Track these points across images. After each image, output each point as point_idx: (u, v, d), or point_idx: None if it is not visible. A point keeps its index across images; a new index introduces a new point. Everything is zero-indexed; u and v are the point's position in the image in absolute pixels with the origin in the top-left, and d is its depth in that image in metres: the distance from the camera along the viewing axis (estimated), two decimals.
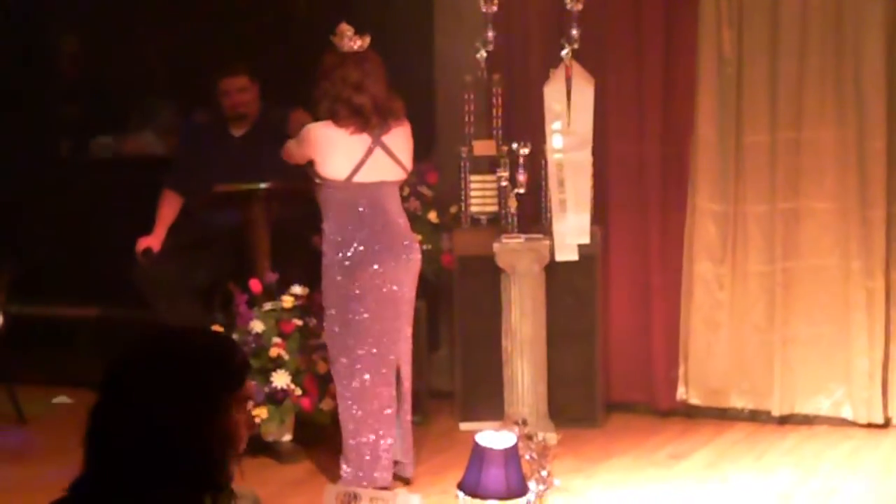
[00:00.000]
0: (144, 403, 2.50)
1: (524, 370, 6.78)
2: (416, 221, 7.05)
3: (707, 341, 7.08)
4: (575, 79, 6.78)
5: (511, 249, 6.79)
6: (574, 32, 6.73)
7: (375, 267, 5.70)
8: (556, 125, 6.79)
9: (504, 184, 6.85)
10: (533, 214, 6.97)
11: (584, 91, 6.79)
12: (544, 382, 6.82)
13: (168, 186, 7.36)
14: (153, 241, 7.24)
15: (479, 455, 3.65)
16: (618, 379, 7.21)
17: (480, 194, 7.00)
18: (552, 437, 6.49)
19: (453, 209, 7.14)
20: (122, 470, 2.50)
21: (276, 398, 6.20)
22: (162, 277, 7.17)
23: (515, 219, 6.85)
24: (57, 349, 8.24)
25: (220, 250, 7.08)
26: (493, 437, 4.39)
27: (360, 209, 5.73)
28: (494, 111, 7.04)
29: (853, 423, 6.84)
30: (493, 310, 6.86)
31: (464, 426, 6.86)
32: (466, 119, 7.03)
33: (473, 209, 7.02)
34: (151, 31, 8.65)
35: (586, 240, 6.82)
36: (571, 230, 6.81)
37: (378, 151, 5.72)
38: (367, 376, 5.71)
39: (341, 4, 7.87)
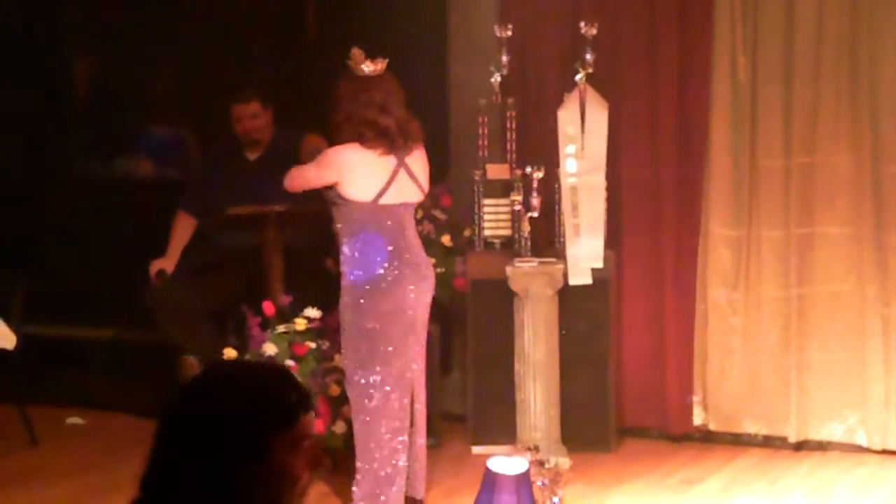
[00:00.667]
0: (194, 444, 2.48)
1: (537, 394, 6.77)
2: (429, 245, 7.06)
3: (721, 366, 7.07)
4: (589, 103, 6.79)
5: (524, 273, 6.79)
6: (588, 57, 6.74)
7: (399, 288, 5.69)
8: (570, 149, 6.80)
9: (517, 207, 6.85)
10: (546, 238, 6.96)
11: (598, 115, 6.80)
12: (557, 406, 6.81)
13: (182, 208, 7.40)
14: (166, 263, 7.26)
15: (490, 481, 3.65)
16: (631, 404, 7.20)
17: (494, 218, 7.00)
18: (564, 462, 6.48)
19: (467, 233, 7.13)
20: None
21: None
22: (175, 300, 7.19)
23: (529, 242, 6.83)
24: (70, 370, 8.25)
25: (234, 273, 7.10)
26: (505, 462, 4.40)
27: (385, 231, 5.70)
28: (508, 135, 7.05)
29: (867, 450, 6.81)
30: (506, 333, 6.86)
31: (476, 449, 6.86)
32: (480, 143, 7.03)
33: (487, 233, 7.02)
34: (166, 56, 8.68)
35: (600, 264, 6.82)
36: (585, 254, 6.81)
37: (402, 173, 5.72)
38: (382, 397, 5.71)
39: (354, 29, 7.92)
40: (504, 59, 6.90)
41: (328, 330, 6.34)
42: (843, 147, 6.79)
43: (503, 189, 6.97)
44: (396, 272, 5.66)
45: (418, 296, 5.73)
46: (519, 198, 6.82)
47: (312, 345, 6.36)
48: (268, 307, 6.39)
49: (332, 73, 7.21)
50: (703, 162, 7.01)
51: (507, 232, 6.98)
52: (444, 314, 7.24)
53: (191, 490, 2.45)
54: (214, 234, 7.25)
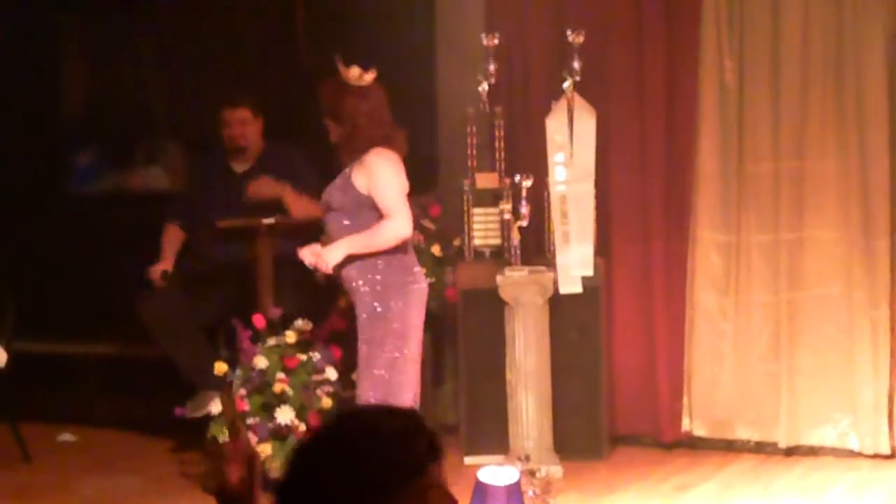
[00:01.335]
0: (322, 492, 2.47)
1: (528, 403, 6.77)
2: (419, 255, 7.07)
3: (712, 372, 7.08)
4: (577, 111, 6.81)
5: (514, 282, 6.79)
6: (575, 65, 6.77)
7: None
8: (559, 157, 6.81)
9: (507, 216, 6.85)
10: (536, 247, 6.98)
11: (587, 123, 6.81)
12: (549, 415, 6.81)
13: (169, 219, 7.40)
14: (165, 265, 7.25)
15: (481, 492, 3.67)
16: (622, 411, 7.20)
17: (483, 227, 7.01)
18: (557, 471, 6.49)
19: (456, 242, 7.13)
20: None
21: (280, 434, 6.21)
22: (166, 313, 7.19)
23: (519, 251, 6.83)
24: (61, 386, 8.25)
25: (224, 286, 7.10)
26: (496, 472, 4.41)
27: None
28: (497, 143, 7.05)
29: (859, 454, 6.81)
30: (497, 343, 6.85)
31: (469, 460, 6.86)
32: (469, 152, 7.05)
33: (477, 242, 7.03)
34: (155, 69, 8.70)
35: (590, 272, 6.82)
36: (575, 262, 6.81)
37: None
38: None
39: (342, 40, 7.93)
40: (491, 67, 6.92)
41: (318, 342, 6.36)
42: (831, 151, 6.81)
43: (492, 198, 6.98)
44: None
45: None
46: (508, 206, 6.83)
47: (303, 357, 6.37)
48: (258, 320, 6.41)
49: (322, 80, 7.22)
50: (691, 168, 7.02)
51: (497, 241, 6.99)
52: (436, 325, 7.25)
53: None
54: (204, 247, 7.25)
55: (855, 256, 6.79)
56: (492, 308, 6.85)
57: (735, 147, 6.95)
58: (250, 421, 6.21)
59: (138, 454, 7.46)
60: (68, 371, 8.33)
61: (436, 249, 7.18)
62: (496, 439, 6.83)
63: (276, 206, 6.81)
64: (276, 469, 6.23)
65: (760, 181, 6.92)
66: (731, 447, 7.05)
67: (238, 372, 6.31)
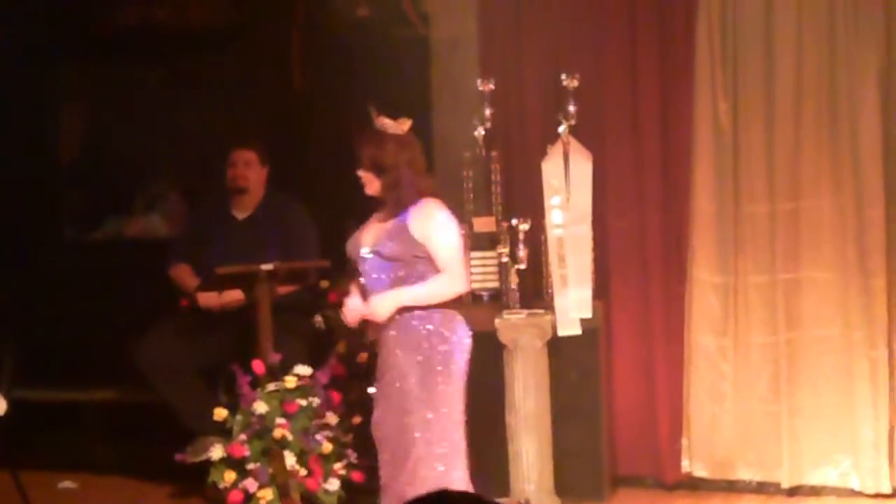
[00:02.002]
0: None
1: (529, 445, 6.76)
2: None
3: (712, 413, 7.04)
4: (573, 154, 6.82)
5: (513, 325, 6.79)
6: (571, 108, 6.80)
7: None
8: (556, 200, 6.82)
9: (505, 260, 6.86)
10: (534, 290, 6.97)
11: (583, 166, 6.82)
12: (549, 457, 6.79)
13: (175, 260, 7.39)
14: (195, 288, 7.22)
15: None
16: (623, 452, 7.18)
17: (481, 270, 7.01)
18: None
19: None
20: None
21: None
22: (165, 359, 7.19)
23: (517, 294, 6.84)
24: (61, 433, 8.24)
25: (223, 331, 7.10)
26: None
27: None
28: (493, 188, 7.05)
29: (861, 493, 6.78)
30: (497, 386, 6.84)
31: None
32: (465, 196, 7.06)
33: (475, 286, 7.02)
34: (155, 115, 8.73)
35: (588, 314, 6.81)
36: (573, 304, 6.80)
37: None
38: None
39: (339, 85, 7.98)
40: (487, 112, 6.96)
41: (318, 387, 6.35)
42: (826, 191, 6.81)
43: (490, 241, 6.98)
44: None
45: None
46: (506, 250, 6.83)
47: (303, 402, 6.37)
48: (258, 365, 6.41)
49: (319, 129, 7.29)
50: (687, 209, 7.01)
51: (495, 284, 6.99)
52: None
53: None
54: (201, 294, 7.24)
55: (852, 296, 6.78)
56: (490, 351, 6.82)
57: (731, 188, 6.95)
58: (250, 466, 6.20)
59: (139, 499, 7.44)
60: (68, 417, 8.32)
61: None
62: (496, 482, 6.80)
63: (274, 254, 6.81)
64: None
65: (756, 222, 6.92)
66: (732, 488, 7.03)
67: (238, 417, 6.30)
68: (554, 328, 6.78)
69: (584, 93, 6.84)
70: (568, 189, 6.80)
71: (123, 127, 8.90)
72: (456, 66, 7.43)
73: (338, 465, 6.42)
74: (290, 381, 6.39)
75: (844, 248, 6.80)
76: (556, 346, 6.83)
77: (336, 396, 6.41)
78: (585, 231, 6.83)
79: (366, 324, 5.62)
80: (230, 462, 6.26)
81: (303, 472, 6.25)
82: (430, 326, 5.46)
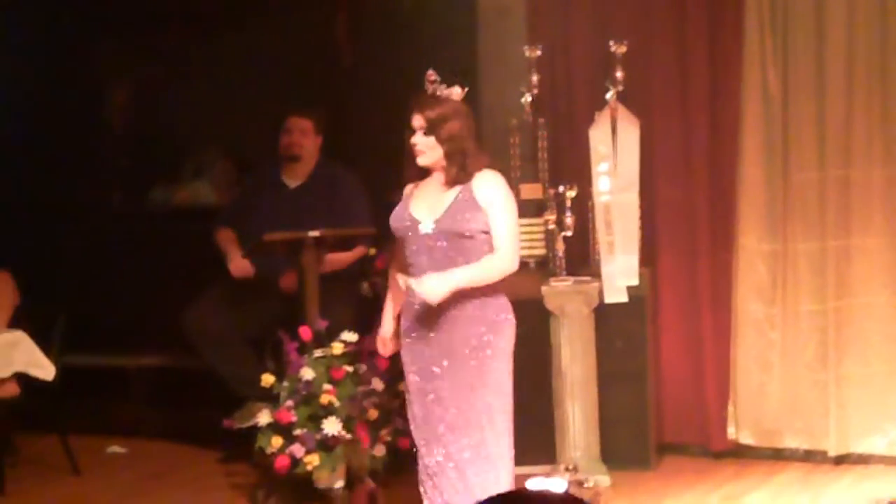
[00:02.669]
0: None
1: (575, 412, 6.73)
2: None
3: (759, 381, 7.00)
4: (620, 121, 6.78)
5: (560, 292, 6.76)
6: (618, 75, 6.75)
7: None
8: (603, 167, 6.78)
9: (551, 227, 6.83)
10: (581, 257, 6.95)
11: (630, 133, 6.77)
12: (595, 424, 6.76)
13: (220, 224, 7.39)
14: (238, 254, 7.18)
15: None
16: (670, 420, 7.15)
17: (528, 238, 6.96)
18: (604, 480, 6.46)
19: None
20: None
21: (327, 445, 6.20)
22: (213, 326, 7.20)
23: (563, 261, 6.83)
24: (110, 399, 8.28)
25: (271, 299, 7.10)
26: (544, 483, 4.37)
27: None
28: (540, 155, 7.03)
29: None
30: (543, 353, 6.82)
31: (515, 470, 6.82)
32: (512, 163, 7.02)
33: (522, 253, 6.99)
34: (204, 86, 8.72)
35: (635, 281, 6.77)
36: (620, 272, 6.77)
37: None
38: None
39: (386, 53, 7.93)
40: (534, 79, 6.91)
41: (365, 354, 6.34)
42: (877, 159, 6.70)
43: (536, 209, 6.95)
44: None
45: None
46: (553, 217, 6.81)
47: (350, 368, 6.35)
48: (305, 332, 6.39)
49: (368, 99, 7.24)
50: (736, 177, 6.95)
51: (542, 251, 6.96)
52: None
53: None
54: (251, 261, 7.24)
55: None
56: (537, 318, 6.80)
57: (780, 156, 6.88)
58: (297, 432, 6.19)
59: (187, 465, 7.47)
60: (117, 383, 8.36)
61: None
62: (542, 449, 6.78)
63: (325, 222, 6.78)
64: (322, 480, 6.22)
65: (806, 189, 6.83)
66: (779, 456, 6.98)
67: (285, 384, 6.30)
68: (600, 295, 6.75)
69: (632, 59, 6.78)
70: (615, 156, 6.76)
71: (172, 98, 8.90)
72: (503, 33, 7.37)
73: (384, 432, 6.40)
74: (337, 348, 6.36)
75: (895, 215, 6.71)
76: (603, 314, 6.79)
77: (382, 363, 6.38)
78: (633, 198, 6.77)
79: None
80: (277, 428, 6.25)
81: (348, 437, 6.23)
82: (479, 308, 5.08)
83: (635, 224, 6.79)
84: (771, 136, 6.89)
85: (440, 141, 5.05)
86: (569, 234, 6.77)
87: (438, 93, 5.15)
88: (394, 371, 6.47)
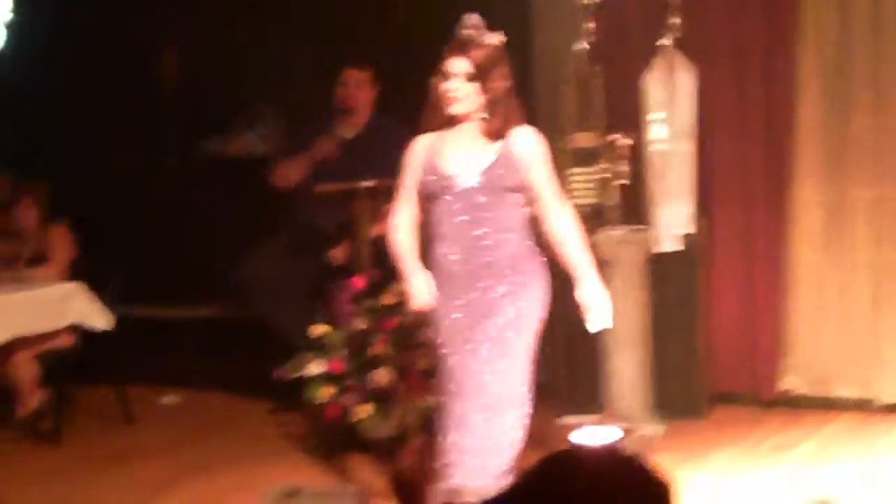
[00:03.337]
0: None
1: (627, 363, 6.69)
2: None
3: (813, 331, 6.96)
4: (676, 69, 6.70)
5: (613, 241, 6.70)
6: (674, 21, 6.66)
7: None
8: (658, 115, 6.71)
9: (606, 175, 6.79)
10: (635, 205, 6.88)
11: (686, 81, 6.70)
12: (648, 375, 6.72)
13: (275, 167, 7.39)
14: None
15: None
16: (722, 370, 7.09)
17: (582, 186, 6.91)
18: (657, 430, 6.42)
19: None
20: None
21: (379, 396, 6.17)
22: (265, 278, 7.20)
23: (618, 210, 6.78)
24: (164, 349, 8.33)
25: (323, 250, 7.09)
26: (595, 432, 4.31)
27: None
28: (595, 103, 6.97)
29: None
30: None
31: (565, 420, 6.80)
32: (566, 112, 6.97)
33: (575, 201, 6.95)
34: (253, 39, 8.70)
35: (689, 229, 6.73)
36: (674, 220, 6.72)
37: None
38: None
39: (438, 8, 7.84)
40: (589, 26, 6.84)
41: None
42: None
43: (591, 157, 6.89)
44: None
45: None
46: (607, 165, 6.76)
47: (401, 319, 6.32)
48: (357, 282, 6.36)
49: (424, 55, 7.11)
50: (791, 125, 6.88)
51: (596, 200, 6.91)
52: None
53: None
54: (304, 211, 7.23)
55: None
56: None
57: (836, 105, 6.79)
58: (348, 382, 6.18)
59: (238, 415, 7.51)
60: (170, 334, 8.41)
61: None
62: (593, 399, 6.76)
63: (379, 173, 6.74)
64: (372, 429, 6.20)
65: (862, 138, 6.75)
66: (830, 405, 6.92)
67: (336, 334, 6.28)
68: (654, 244, 6.69)
69: (688, 5, 6.69)
70: (671, 104, 6.68)
71: (224, 50, 8.89)
72: None
73: (433, 381, 6.37)
74: (389, 298, 6.33)
75: None
76: (657, 264, 6.74)
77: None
78: (687, 147, 6.71)
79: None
80: (328, 378, 6.23)
81: (401, 387, 6.21)
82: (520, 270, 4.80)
83: (690, 173, 6.73)
84: (827, 83, 6.81)
85: (484, 89, 4.67)
86: (623, 182, 6.70)
87: (479, 36, 4.76)
88: None
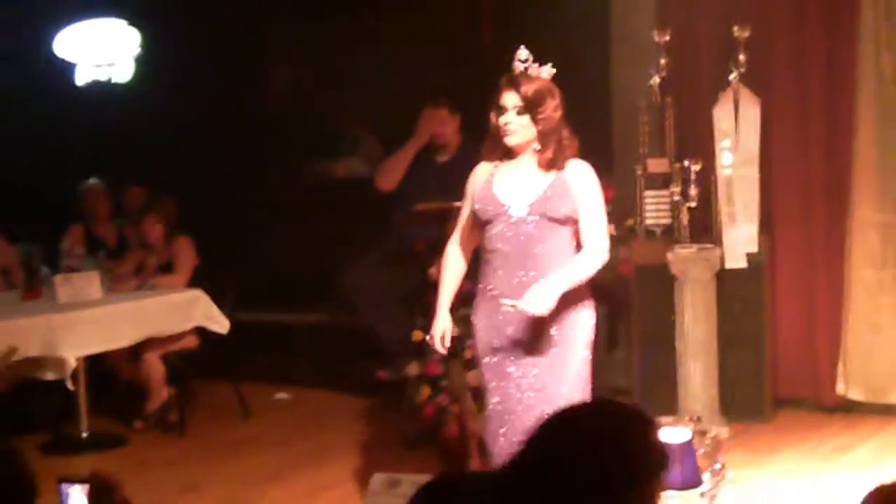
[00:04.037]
0: (559, 478, 2.31)
1: (697, 370, 6.67)
2: None
3: (870, 342, 6.86)
4: (742, 100, 6.68)
5: (684, 258, 6.69)
6: (741, 57, 6.63)
7: None
8: (726, 143, 6.69)
9: (676, 198, 6.76)
10: (704, 226, 6.84)
11: (752, 111, 6.67)
12: (716, 381, 6.70)
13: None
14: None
15: None
16: (785, 377, 7.04)
17: (655, 208, 6.90)
18: (724, 431, 6.38)
19: (630, 222, 7.04)
20: None
21: (475, 397, 6.18)
22: (369, 286, 7.24)
23: (688, 230, 6.74)
24: (276, 351, 8.38)
25: (421, 261, 7.12)
26: (670, 432, 4.31)
27: None
28: (667, 131, 6.94)
29: None
30: (667, 314, 6.76)
31: None
32: (641, 139, 6.96)
33: (649, 222, 6.93)
34: (353, 67, 8.76)
35: (754, 248, 6.69)
36: (740, 240, 6.69)
37: None
38: None
39: (524, 37, 7.85)
40: (662, 61, 6.82)
41: None
42: None
43: (663, 181, 6.87)
44: None
45: None
46: (678, 189, 6.74)
47: None
48: None
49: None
50: (850, 152, 6.78)
51: (668, 220, 6.89)
52: (610, 297, 7.17)
53: None
54: (404, 227, 7.27)
55: None
56: (662, 282, 6.76)
57: (892, 134, 6.70)
58: (444, 383, 6.19)
59: (343, 411, 7.54)
60: (283, 337, 8.46)
61: (610, 229, 7.04)
62: (666, 402, 6.73)
63: None
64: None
65: None
66: (887, 412, 6.83)
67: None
68: (722, 261, 6.68)
69: (754, 43, 6.65)
70: (737, 132, 6.65)
71: (325, 79, 8.96)
72: (634, 19, 7.30)
73: None
74: None
75: None
76: (724, 279, 6.72)
77: None
78: (753, 172, 6.68)
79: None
80: (425, 379, 6.26)
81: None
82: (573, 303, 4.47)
83: (755, 196, 6.69)
84: (884, 113, 6.72)
85: (535, 121, 4.47)
86: (693, 204, 6.68)
87: (531, 72, 4.53)
88: None
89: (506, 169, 4.59)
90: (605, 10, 7.47)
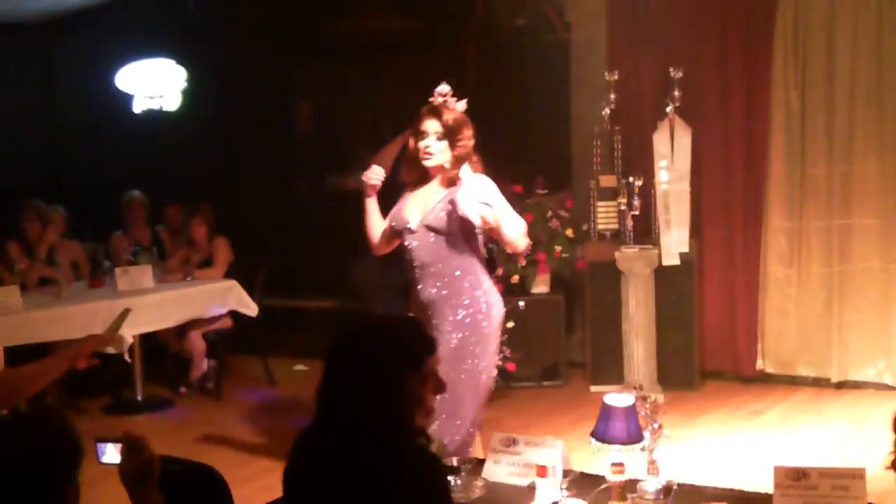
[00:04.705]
0: (350, 373, 2.52)
1: (639, 347, 6.68)
2: (556, 236, 7.01)
3: (779, 325, 6.89)
4: (677, 128, 6.67)
5: (629, 257, 6.69)
6: (676, 94, 6.63)
7: None
8: (663, 163, 6.68)
9: (623, 208, 6.76)
10: (645, 230, 6.86)
11: (684, 137, 6.67)
12: (654, 357, 6.71)
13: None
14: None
15: (606, 411, 3.58)
16: (710, 353, 7.05)
17: (605, 215, 6.90)
18: (661, 398, 6.33)
19: (584, 227, 7.06)
20: (337, 417, 2.51)
21: None
22: (373, 278, 7.22)
23: (632, 234, 6.75)
24: (297, 330, 8.37)
25: None
26: (617, 397, 4.31)
27: None
28: (615, 154, 6.95)
29: (893, 388, 6.58)
30: (615, 302, 6.77)
31: (593, 388, 6.79)
32: (594, 160, 6.96)
33: (600, 227, 6.94)
34: (361, 101, 8.75)
35: (686, 249, 6.69)
36: (675, 242, 6.69)
37: None
38: None
39: (502, 78, 7.87)
40: (612, 96, 6.81)
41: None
42: (873, 158, 6.55)
43: (612, 194, 6.87)
44: None
45: None
46: (624, 200, 6.73)
47: None
48: None
49: (490, 116, 7.16)
50: (764, 171, 6.81)
51: (615, 226, 6.89)
52: (569, 289, 7.18)
53: (349, 410, 2.49)
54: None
55: (891, 238, 6.54)
56: (611, 276, 6.76)
57: (798, 155, 6.73)
58: None
59: None
60: (303, 319, 8.44)
61: (569, 232, 7.10)
62: (614, 373, 6.74)
63: None
64: None
65: (818, 180, 6.69)
66: (793, 382, 6.86)
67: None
68: (659, 259, 6.67)
69: (686, 82, 6.66)
70: (672, 154, 6.65)
71: (340, 110, 8.94)
72: (590, 61, 7.30)
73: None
74: None
75: (885, 201, 6.54)
76: (661, 273, 6.71)
77: None
78: (685, 186, 6.68)
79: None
80: None
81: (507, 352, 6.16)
82: (478, 292, 4.12)
83: (687, 206, 6.69)
84: (791, 140, 6.75)
85: (453, 146, 4.13)
86: (636, 213, 6.68)
87: (448, 104, 4.19)
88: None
89: (418, 189, 4.26)
90: (566, 56, 7.49)
